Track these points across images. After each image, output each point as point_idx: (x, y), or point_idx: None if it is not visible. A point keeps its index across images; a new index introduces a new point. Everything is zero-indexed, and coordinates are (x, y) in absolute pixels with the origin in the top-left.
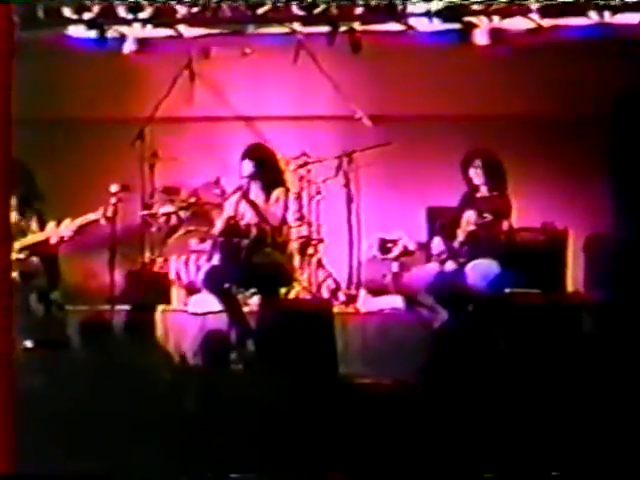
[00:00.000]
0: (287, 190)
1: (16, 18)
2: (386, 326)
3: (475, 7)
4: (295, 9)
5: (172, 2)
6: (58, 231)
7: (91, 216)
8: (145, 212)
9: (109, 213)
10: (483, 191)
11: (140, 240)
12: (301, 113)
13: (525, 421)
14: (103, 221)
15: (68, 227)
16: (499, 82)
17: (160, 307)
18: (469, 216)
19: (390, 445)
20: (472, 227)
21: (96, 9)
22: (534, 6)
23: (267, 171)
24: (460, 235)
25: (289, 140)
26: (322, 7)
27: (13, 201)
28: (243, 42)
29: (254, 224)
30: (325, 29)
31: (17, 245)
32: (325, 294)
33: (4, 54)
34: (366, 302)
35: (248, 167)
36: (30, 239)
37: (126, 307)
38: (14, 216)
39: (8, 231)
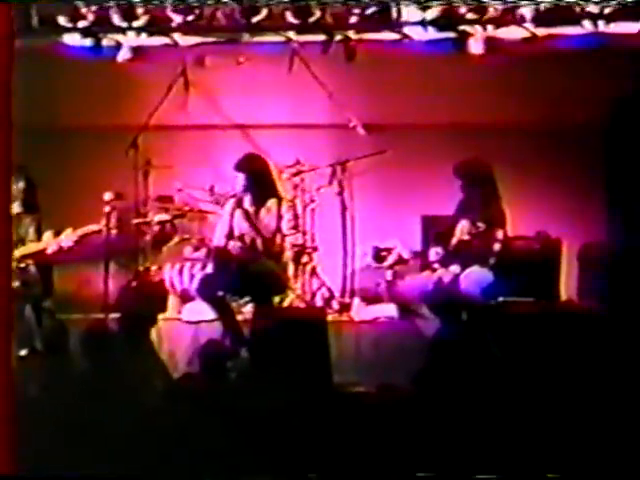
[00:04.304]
0: (280, 200)
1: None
2: (380, 334)
3: (470, 16)
4: (290, 17)
5: (166, 8)
6: (58, 240)
7: (93, 227)
8: (139, 220)
9: (111, 224)
10: (475, 201)
11: (134, 248)
12: (295, 121)
13: (519, 428)
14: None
15: (69, 237)
16: (494, 91)
17: (160, 316)
18: (463, 225)
19: (384, 453)
20: (466, 236)
21: (91, 17)
22: (529, 15)
23: (260, 182)
24: (454, 244)
25: (283, 148)
26: (317, 16)
27: (16, 209)
28: (238, 50)
29: (246, 234)
30: (320, 38)
31: (17, 254)
32: (319, 302)
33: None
34: (360, 310)
35: (240, 179)
36: (29, 248)
37: (119, 315)
38: (24, 226)
39: (9, 240)
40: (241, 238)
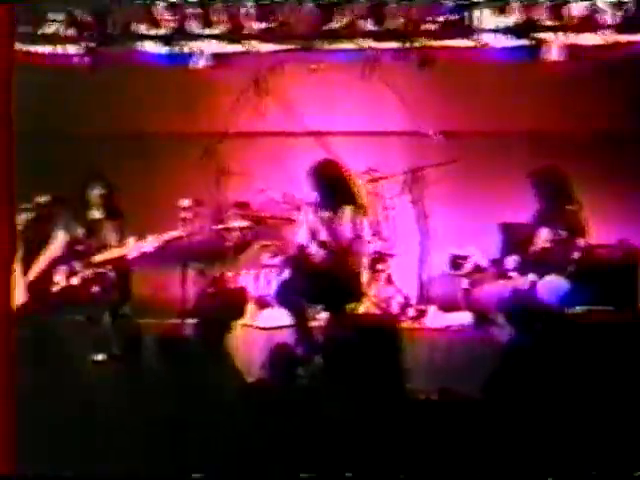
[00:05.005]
0: (357, 207)
1: (90, 34)
2: (454, 342)
3: (547, 22)
4: (367, 25)
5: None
6: (139, 246)
7: (175, 233)
8: (220, 226)
9: (191, 230)
10: (554, 209)
11: (213, 254)
12: (369, 129)
13: (593, 439)
14: (186, 238)
15: (151, 243)
16: (570, 98)
17: (239, 322)
18: (543, 233)
19: (457, 460)
20: (546, 244)
21: (170, 25)
22: (606, 21)
23: (337, 189)
24: (533, 252)
25: (357, 155)
26: (394, 23)
27: (96, 214)
28: (313, 58)
29: (326, 240)
30: (395, 45)
31: (98, 259)
32: (394, 310)
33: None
34: (435, 318)
35: (317, 185)
36: (111, 253)
37: (196, 321)
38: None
39: (12, 239)
40: (319, 245)
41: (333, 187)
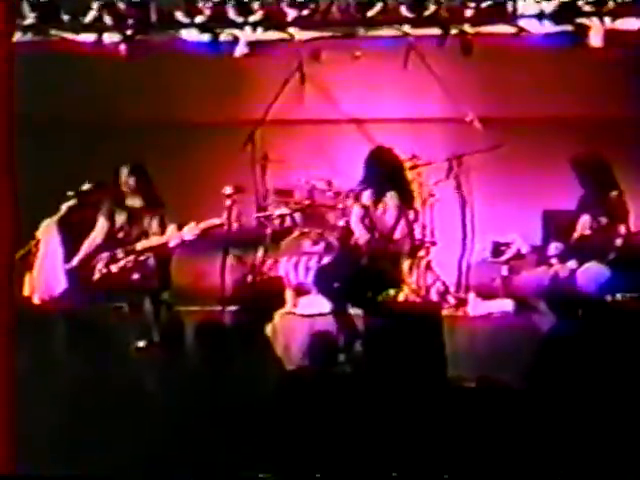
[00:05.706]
0: (405, 195)
1: (131, 21)
2: (496, 329)
3: (589, 8)
4: (409, 11)
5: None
6: (180, 234)
7: (215, 220)
8: (260, 214)
9: (232, 217)
10: (596, 195)
11: (253, 242)
12: (411, 116)
13: (633, 427)
14: (226, 226)
15: (191, 230)
16: (613, 84)
17: (280, 311)
18: (585, 220)
19: (497, 448)
20: (587, 231)
21: (208, 12)
22: None
23: (387, 175)
24: (575, 239)
25: (399, 142)
26: (432, 9)
27: (136, 202)
28: (354, 45)
29: (371, 225)
30: (435, 31)
31: (139, 247)
32: (434, 297)
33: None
34: (475, 305)
35: (368, 169)
36: (151, 241)
37: (236, 309)
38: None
39: (11, 226)
40: (366, 229)
41: (384, 173)
